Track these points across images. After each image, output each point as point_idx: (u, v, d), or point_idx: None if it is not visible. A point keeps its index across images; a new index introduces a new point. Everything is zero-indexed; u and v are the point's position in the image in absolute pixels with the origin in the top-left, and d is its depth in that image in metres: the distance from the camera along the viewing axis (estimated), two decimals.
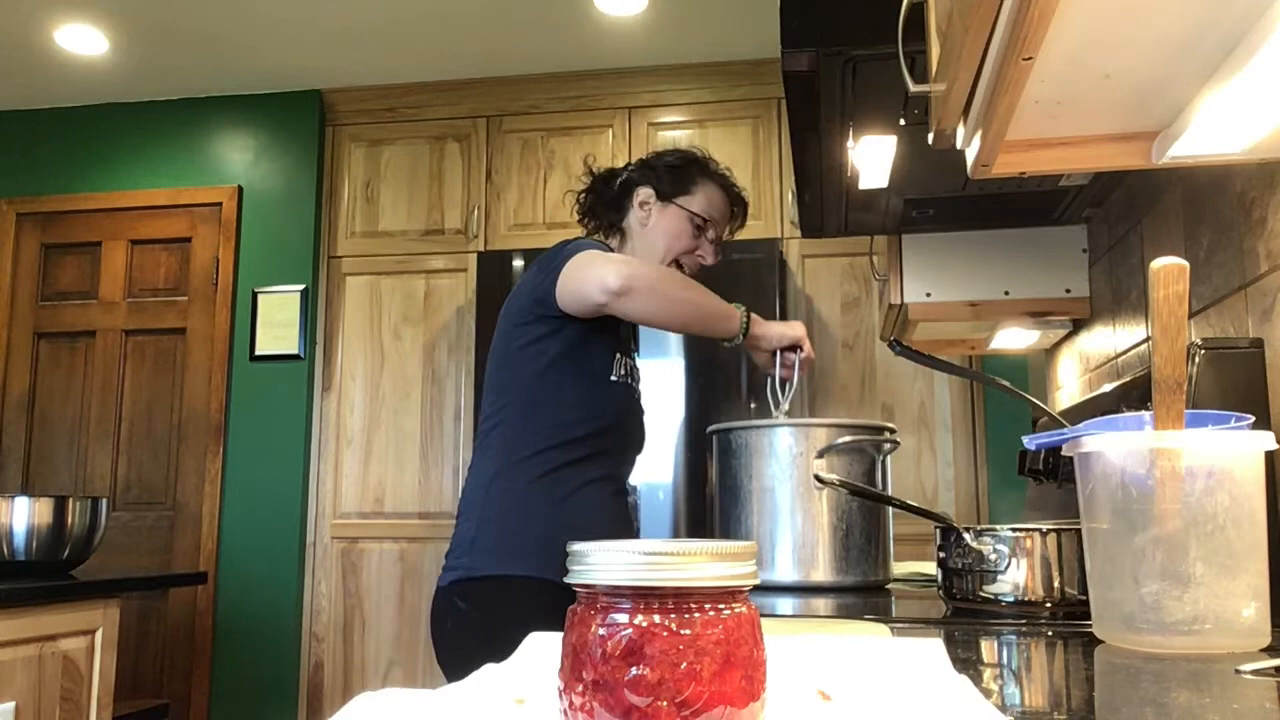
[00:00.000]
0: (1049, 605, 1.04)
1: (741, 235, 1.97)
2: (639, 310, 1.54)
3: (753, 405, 3.16)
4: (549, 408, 1.60)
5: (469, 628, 1.53)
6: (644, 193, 1.75)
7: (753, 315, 1.65)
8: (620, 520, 1.67)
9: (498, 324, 1.69)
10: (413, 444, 3.63)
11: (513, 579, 1.52)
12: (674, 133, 3.64)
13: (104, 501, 2.32)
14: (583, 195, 1.83)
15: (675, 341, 3.18)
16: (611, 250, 1.70)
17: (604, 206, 1.80)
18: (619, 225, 1.78)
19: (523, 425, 1.60)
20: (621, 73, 3.70)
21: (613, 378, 1.65)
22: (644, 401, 1.76)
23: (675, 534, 3.18)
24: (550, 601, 1.48)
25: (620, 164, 2.03)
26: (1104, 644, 0.85)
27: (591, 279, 1.52)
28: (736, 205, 1.81)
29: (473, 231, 3.69)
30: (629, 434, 1.70)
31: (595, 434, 1.61)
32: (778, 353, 1.68)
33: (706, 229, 1.75)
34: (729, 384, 3.19)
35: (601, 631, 0.46)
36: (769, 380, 1.69)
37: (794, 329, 1.68)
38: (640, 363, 1.79)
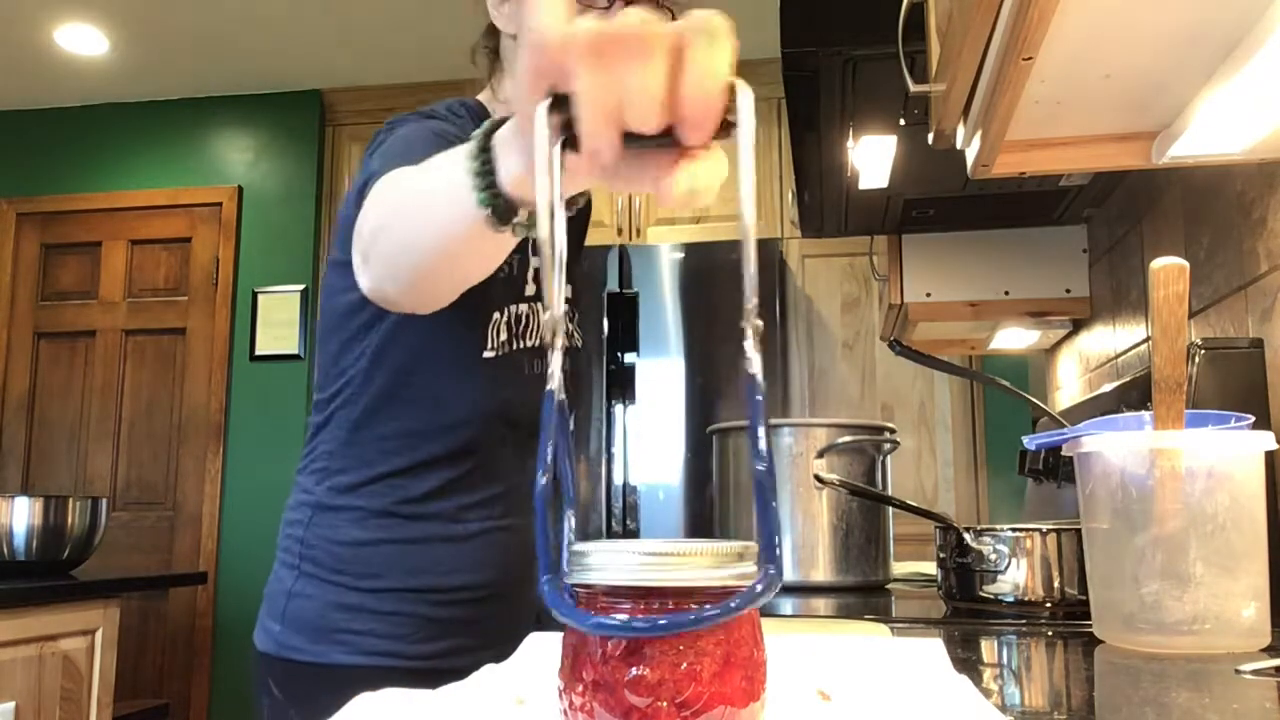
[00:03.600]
0: (1049, 605, 1.04)
1: None
2: (396, 290, 0.79)
3: None
4: (385, 412, 1.10)
5: None
6: None
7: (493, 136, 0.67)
8: (508, 566, 1.15)
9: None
10: None
11: (338, 670, 1.06)
12: None
13: (104, 501, 2.32)
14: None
15: (675, 342, 3.17)
16: (439, 120, 1.10)
17: (488, 52, 1.24)
18: (496, 52, 1.23)
19: (350, 435, 1.12)
20: None
21: (487, 353, 1.10)
22: (584, 354, 1.37)
23: (677, 534, 3.18)
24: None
25: None
26: (1104, 644, 0.85)
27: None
28: None
29: None
30: (522, 424, 1.15)
31: (461, 446, 1.11)
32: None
33: None
34: (729, 384, 3.19)
35: None
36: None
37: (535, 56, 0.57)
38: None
